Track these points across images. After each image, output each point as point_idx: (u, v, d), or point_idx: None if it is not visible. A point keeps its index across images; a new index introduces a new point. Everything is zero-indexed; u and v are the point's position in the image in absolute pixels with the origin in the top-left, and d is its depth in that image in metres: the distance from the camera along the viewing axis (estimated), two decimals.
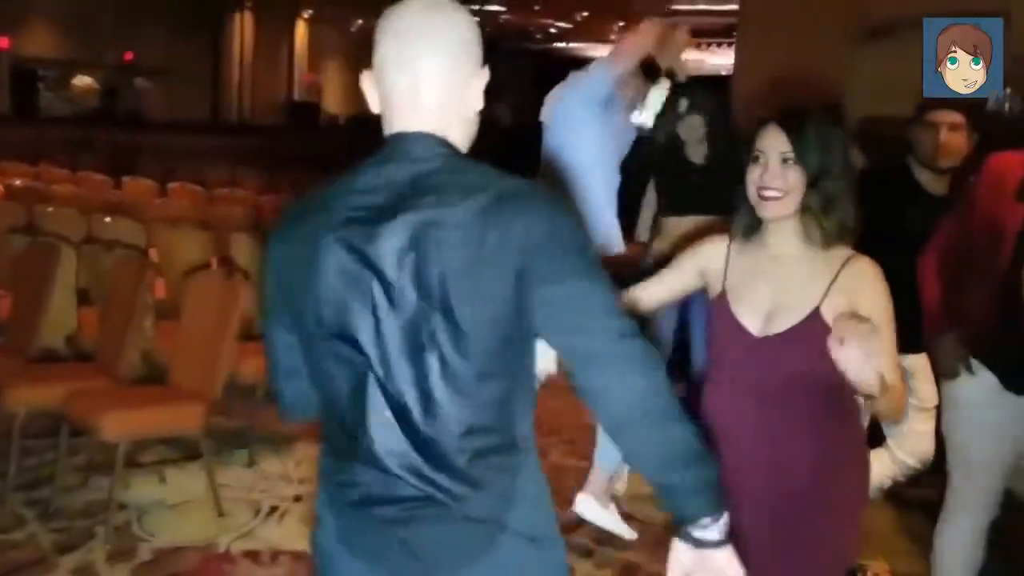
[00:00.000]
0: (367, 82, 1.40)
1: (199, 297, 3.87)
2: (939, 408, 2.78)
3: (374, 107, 1.41)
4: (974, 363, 2.57)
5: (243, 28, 16.66)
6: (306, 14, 18.19)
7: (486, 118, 6.05)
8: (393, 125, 1.38)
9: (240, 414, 4.22)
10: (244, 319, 3.91)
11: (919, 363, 2.98)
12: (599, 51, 20.74)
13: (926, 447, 3.03)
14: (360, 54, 20.79)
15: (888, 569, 3.34)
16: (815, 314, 1.88)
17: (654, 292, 2.12)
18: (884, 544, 3.66)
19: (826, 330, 1.79)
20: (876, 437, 3.12)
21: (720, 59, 18.20)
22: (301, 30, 18.58)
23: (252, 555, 3.29)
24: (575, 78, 3.54)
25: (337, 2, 16.24)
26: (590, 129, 3.36)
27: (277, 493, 3.81)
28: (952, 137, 2.86)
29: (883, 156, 3.75)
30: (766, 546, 1.90)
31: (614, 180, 3.54)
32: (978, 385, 2.57)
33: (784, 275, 1.94)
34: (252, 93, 16.40)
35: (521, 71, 19.62)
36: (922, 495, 3.43)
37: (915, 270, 2.66)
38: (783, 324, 1.91)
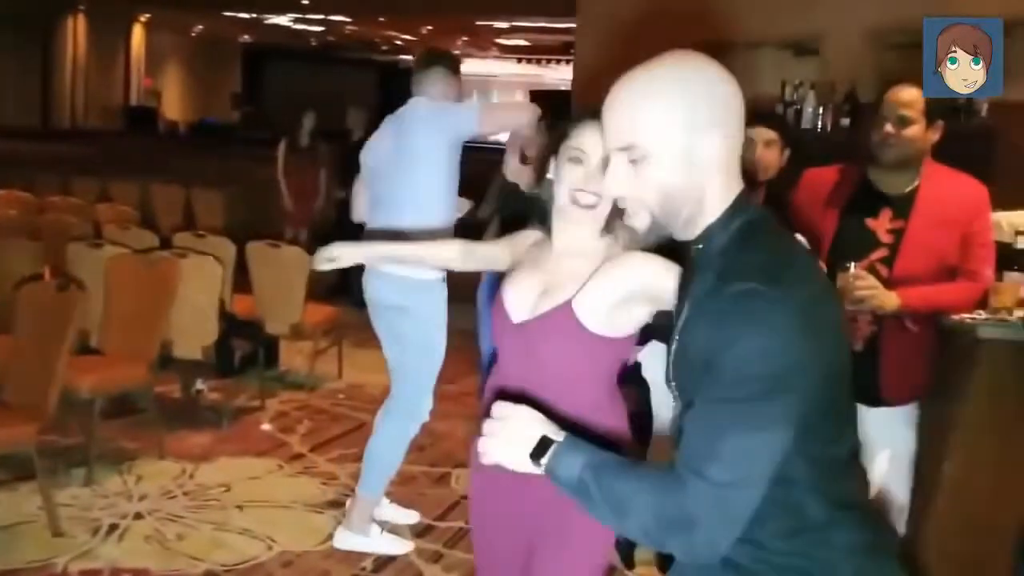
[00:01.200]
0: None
1: (31, 309, 3.70)
2: None
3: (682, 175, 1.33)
4: None
5: (76, 31, 15.87)
6: (143, 17, 17.52)
7: (341, 128, 6.15)
8: (732, 188, 1.36)
9: (76, 431, 4.05)
10: (79, 332, 3.78)
11: None
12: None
13: None
14: (200, 59, 20.17)
15: None
16: (566, 305, 1.85)
17: (478, 248, 2.22)
18: None
19: (576, 324, 1.82)
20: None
21: (558, 75, 18.66)
22: (138, 34, 17.86)
23: (91, 574, 3.18)
24: (431, 111, 3.42)
25: (176, 6, 15.72)
26: (447, 159, 3.39)
27: (118, 511, 3.68)
28: (766, 152, 3.13)
29: None
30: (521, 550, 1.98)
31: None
32: None
33: (561, 269, 1.91)
34: (86, 98, 15.64)
35: (367, 82, 19.53)
36: None
37: None
38: (538, 312, 1.89)
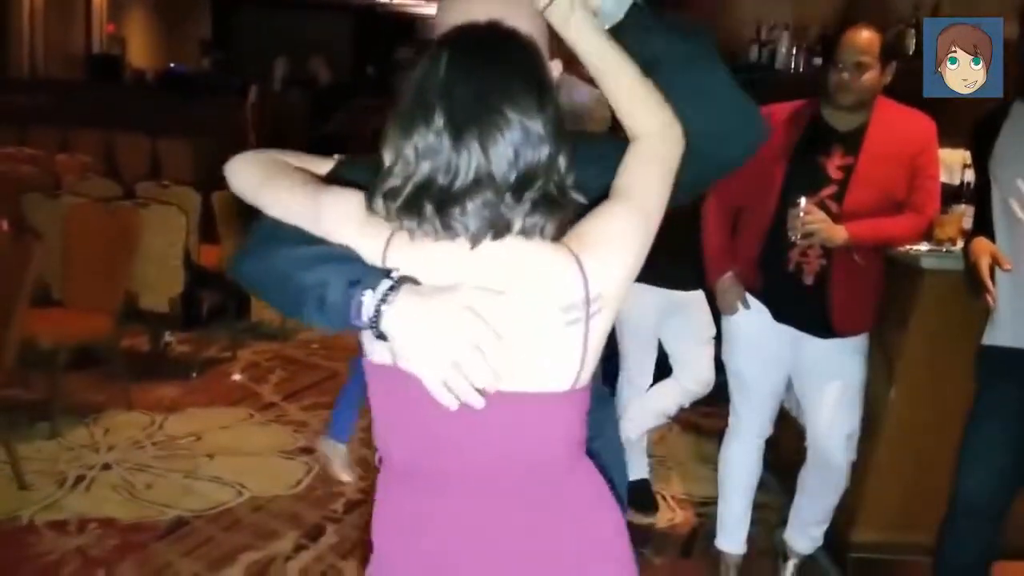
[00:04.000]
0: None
1: None
2: (720, 339, 3.03)
3: None
4: (749, 298, 2.81)
5: None
6: None
7: (307, 75, 6.06)
8: None
9: (40, 385, 4.03)
10: (40, 284, 3.74)
11: (695, 298, 3.25)
12: (423, 8, 20.40)
13: (706, 372, 3.31)
14: (166, 3, 19.71)
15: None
16: None
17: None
18: (682, 470, 3.96)
19: None
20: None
21: None
22: None
23: (58, 525, 3.19)
24: None
25: None
26: None
27: (84, 462, 3.69)
28: None
29: None
30: None
31: None
32: (754, 318, 2.81)
33: None
34: (45, 46, 15.28)
35: (341, 26, 19.18)
36: (716, 425, 3.71)
37: (690, 215, 2.86)
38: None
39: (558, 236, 1.16)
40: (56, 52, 15.32)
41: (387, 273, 1.13)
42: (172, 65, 16.42)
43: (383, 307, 1.10)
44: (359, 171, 1.28)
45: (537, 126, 1.11)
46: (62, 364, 3.94)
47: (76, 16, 16.59)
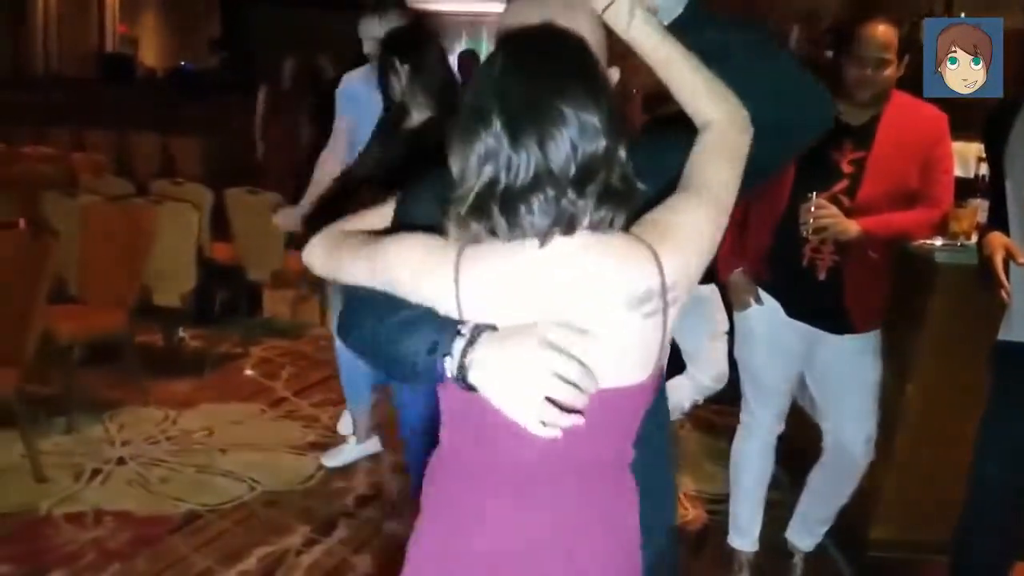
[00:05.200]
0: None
1: (5, 258, 3.68)
2: (733, 334, 3.02)
3: None
4: (762, 294, 2.81)
5: None
6: None
7: (312, 69, 5.94)
8: None
9: (57, 382, 4.06)
10: (57, 280, 3.77)
11: (708, 292, 3.26)
12: (437, 4, 20.27)
13: (720, 367, 3.31)
14: (177, 3, 19.75)
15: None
16: None
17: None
18: (694, 467, 3.95)
19: None
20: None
21: None
22: None
23: (74, 517, 3.22)
24: None
25: None
26: None
27: (100, 456, 3.72)
28: None
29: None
30: None
31: None
32: (766, 314, 2.81)
33: None
34: (59, 46, 15.37)
35: (349, 23, 19.19)
36: (728, 422, 3.71)
37: None
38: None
39: (628, 226, 1.17)
40: (70, 51, 15.41)
41: (458, 331, 1.13)
42: (182, 64, 16.52)
43: (464, 365, 1.12)
44: (418, 202, 1.31)
45: (593, 119, 1.11)
46: (77, 359, 3.97)
47: (89, 16, 16.67)
